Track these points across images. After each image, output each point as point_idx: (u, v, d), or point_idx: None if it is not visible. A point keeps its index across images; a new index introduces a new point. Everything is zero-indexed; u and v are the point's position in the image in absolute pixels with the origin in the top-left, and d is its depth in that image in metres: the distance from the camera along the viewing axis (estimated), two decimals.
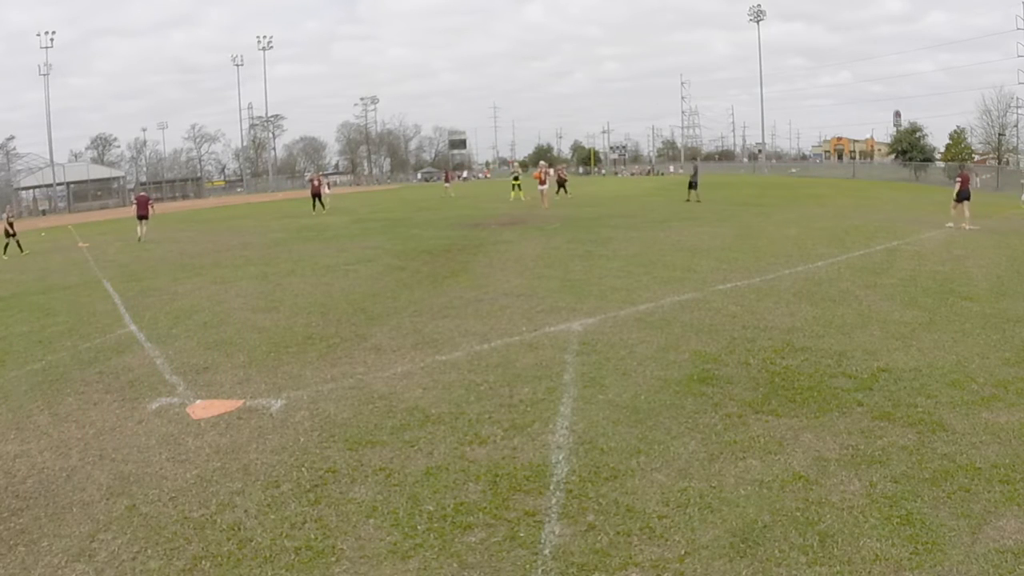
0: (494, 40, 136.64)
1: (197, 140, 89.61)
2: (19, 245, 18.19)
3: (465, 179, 77.10)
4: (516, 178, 31.21)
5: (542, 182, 24.63)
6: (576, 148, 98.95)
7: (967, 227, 14.81)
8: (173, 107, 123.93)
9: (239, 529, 3.32)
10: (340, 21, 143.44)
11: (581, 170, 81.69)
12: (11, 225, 18.67)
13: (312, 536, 3.24)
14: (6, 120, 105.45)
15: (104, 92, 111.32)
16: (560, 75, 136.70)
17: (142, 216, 19.00)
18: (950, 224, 15.23)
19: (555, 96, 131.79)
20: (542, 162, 30.86)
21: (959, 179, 16.31)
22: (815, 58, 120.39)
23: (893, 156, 53.84)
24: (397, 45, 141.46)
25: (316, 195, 27.21)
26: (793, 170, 62.10)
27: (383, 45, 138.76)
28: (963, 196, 15.55)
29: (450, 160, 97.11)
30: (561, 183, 28.83)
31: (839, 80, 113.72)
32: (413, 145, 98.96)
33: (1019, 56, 50.13)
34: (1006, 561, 2.82)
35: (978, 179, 16.13)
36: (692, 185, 25.20)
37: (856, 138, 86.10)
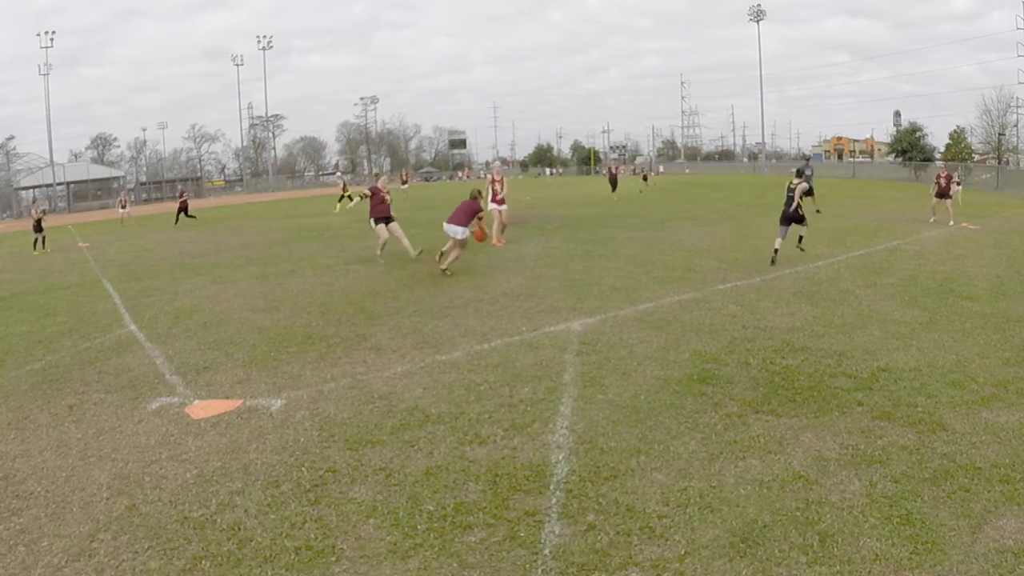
0: (545, 30, 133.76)
1: (197, 140, 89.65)
2: (43, 242, 18.08)
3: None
4: (345, 187, 28.58)
5: (497, 198, 13.54)
6: (576, 148, 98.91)
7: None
8: (195, 101, 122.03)
9: (239, 529, 3.32)
10: (389, 6, 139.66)
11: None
12: (39, 221, 18.53)
13: (312, 536, 3.24)
14: (20, 113, 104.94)
15: (122, 84, 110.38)
16: (595, 71, 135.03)
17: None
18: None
19: (585, 93, 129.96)
20: (496, 163, 19.74)
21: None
22: (859, 53, 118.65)
23: (894, 156, 53.82)
24: (439, 34, 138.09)
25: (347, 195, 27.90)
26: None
27: (423, 35, 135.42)
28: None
29: (450, 160, 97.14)
30: (614, 182, 29.57)
31: (869, 79, 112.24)
32: (413, 145, 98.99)
33: (1019, 56, 50.16)
34: (1006, 561, 2.82)
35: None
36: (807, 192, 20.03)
37: (856, 138, 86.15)
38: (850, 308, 7.32)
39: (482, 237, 10.35)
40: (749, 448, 3.98)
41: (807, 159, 31.92)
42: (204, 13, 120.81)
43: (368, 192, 11.56)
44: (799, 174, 11.25)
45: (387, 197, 11.53)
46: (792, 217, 10.53)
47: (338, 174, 32.32)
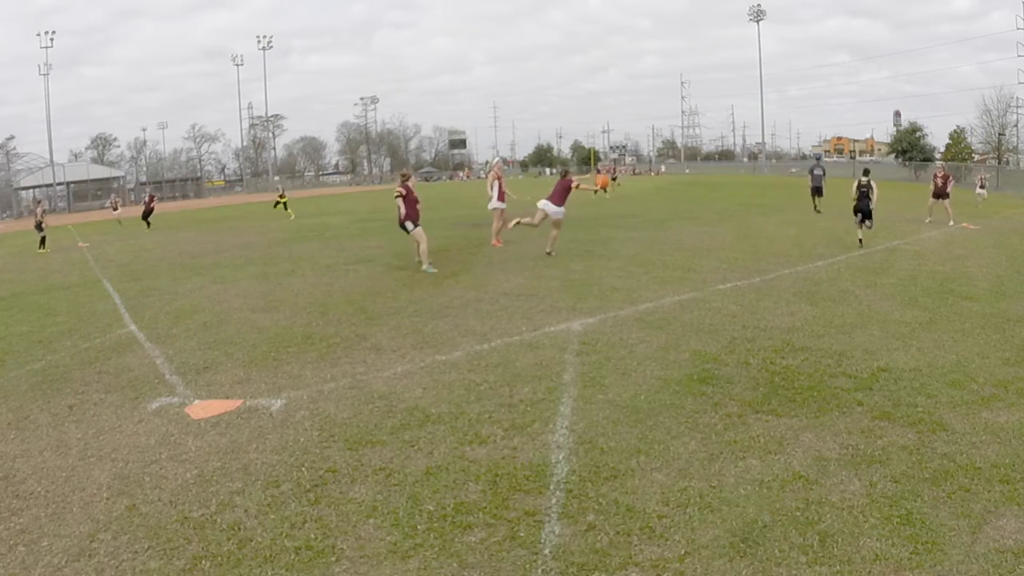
0: (545, 30, 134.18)
1: (197, 140, 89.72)
2: (43, 242, 18.12)
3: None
4: (282, 195, 28.50)
5: (501, 193, 13.46)
6: (576, 148, 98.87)
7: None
8: (195, 101, 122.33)
9: (239, 529, 3.32)
10: (389, 6, 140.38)
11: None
12: (40, 223, 18.54)
13: (312, 536, 3.24)
14: (20, 113, 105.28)
15: (122, 84, 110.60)
16: (595, 71, 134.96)
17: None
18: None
19: (585, 93, 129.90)
20: (498, 159, 18.54)
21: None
22: (859, 53, 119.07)
23: (894, 156, 53.85)
24: (439, 34, 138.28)
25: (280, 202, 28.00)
26: (793, 170, 62.06)
27: (424, 34, 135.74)
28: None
29: (450, 160, 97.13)
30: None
31: (869, 79, 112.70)
32: (413, 145, 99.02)
33: (1019, 56, 50.19)
34: (1006, 561, 2.82)
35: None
36: (817, 191, 19.73)
37: (856, 138, 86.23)
38: (850, 308, 7.32)
39: (604, 183, 11.82)
40: (749, 448, 3.98)
41: (818, 158, 32.25)
42: (204, 13, 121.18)
43: (403, 191, 10.40)
44: (866, 173, 12.80)
45: (418, 198, 10.64)
46: (864, 210, 12.28)
47: (277, 179, 31.09)
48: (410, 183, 10.71)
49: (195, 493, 3.71)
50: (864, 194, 12.38)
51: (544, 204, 11.14)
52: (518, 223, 11.26)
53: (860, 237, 12.21)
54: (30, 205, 50.06)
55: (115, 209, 28.87)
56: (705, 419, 4.41)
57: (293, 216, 25.53)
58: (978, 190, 24.07)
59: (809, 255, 11.02)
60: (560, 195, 11.10)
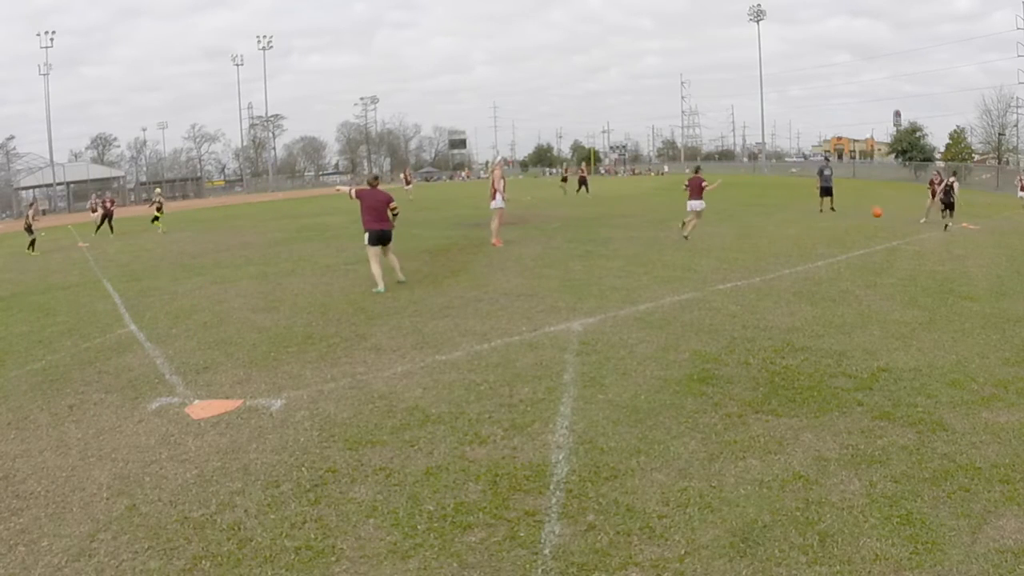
0: (546, 30, 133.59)
1: (197, 140, 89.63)
2: (32, 245, 18.13)
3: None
4: (159, 208, 22.81)
5: (495, 193, 13.52)
6: (576, 148, 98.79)
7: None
8: (195, 101, 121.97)
9: (239, 529, 3.32)
10: (390, 5, 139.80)
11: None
12: (29, 226, 18.55)
13: (312, 536, 3.24)
14: (20, 113, 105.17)
15: (122, 84, 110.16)
16: (595, 71, 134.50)
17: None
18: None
19: (585, 93, 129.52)
20: (499, 158, 18.27)
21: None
22: (860, 53, 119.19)
23: (894, 156, 53.85)
24: (440, 33, 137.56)
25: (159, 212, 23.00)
26: (793, 170, 62.09)
27: (425, 34, 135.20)
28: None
29: (450, 160, 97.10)
30: (583, 182, 31.80)
31: (869, 79, 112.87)
32: (413, 145, 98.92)
33: (1019, 56, 50.16)
34: (1006, 561, 2.82)
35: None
36: (826, 191, 19.77)
37: (856, 138, 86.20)
38: (850, 308, 7.32)
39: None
40: (749, 448, 3.98)
41: (827, 159, 32.53)
42: (204, 13, 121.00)
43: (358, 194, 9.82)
44: (953, 173, 16.30)
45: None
46: (949, 203, 15.42)
47: (157, 191, 26.58)
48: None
49: (195, 493, 3.71)
50: (949, 191, 15.57)
51: (691, 203, 13.70)
52: (684, 226, 13.76)
53: (946, 224, 14.79)
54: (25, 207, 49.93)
55: (93, 211, 27.77)
56: (705, 419, 4.41)
57: (163, 231, 21.78)
58: (1020, 193, 23.44)
59: (809, 255, 11.02)
60: (697, 192, 13.53)
